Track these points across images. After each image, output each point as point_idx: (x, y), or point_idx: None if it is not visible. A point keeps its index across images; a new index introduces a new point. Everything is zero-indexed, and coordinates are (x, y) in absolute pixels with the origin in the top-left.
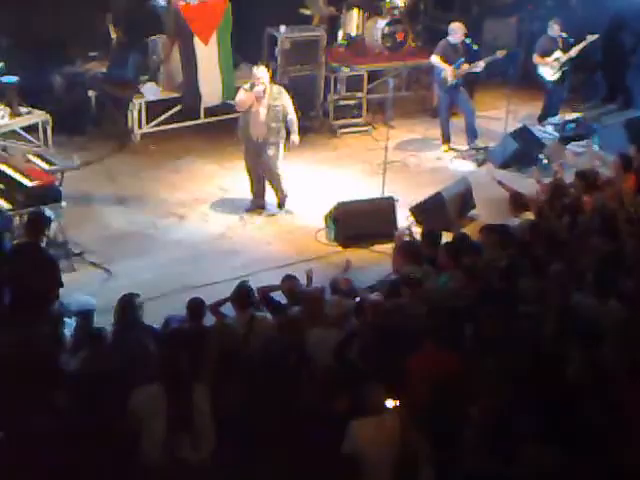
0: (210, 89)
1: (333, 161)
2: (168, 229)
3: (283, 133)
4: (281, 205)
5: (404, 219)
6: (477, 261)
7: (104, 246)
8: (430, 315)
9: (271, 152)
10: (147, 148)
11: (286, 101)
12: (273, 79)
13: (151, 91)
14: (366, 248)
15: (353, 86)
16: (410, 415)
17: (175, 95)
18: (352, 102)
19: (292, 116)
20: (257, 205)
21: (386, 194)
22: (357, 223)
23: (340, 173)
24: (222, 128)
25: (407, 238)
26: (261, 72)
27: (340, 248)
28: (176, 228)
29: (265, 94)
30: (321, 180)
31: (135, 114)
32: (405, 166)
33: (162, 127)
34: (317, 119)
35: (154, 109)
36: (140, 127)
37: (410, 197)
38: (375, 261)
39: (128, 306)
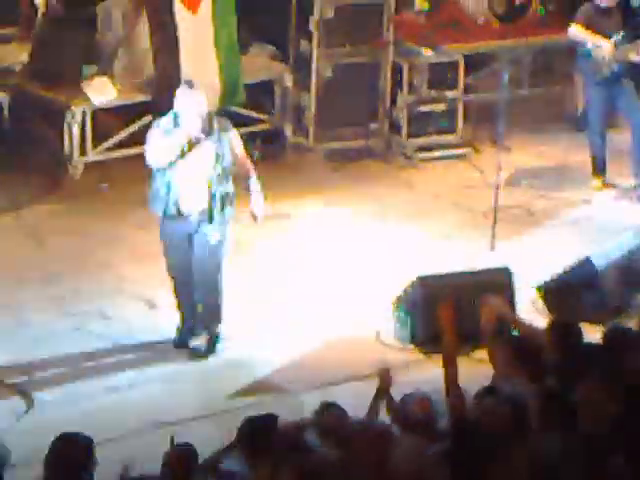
0: (201, 87)
1: (407, 208)
2: (128, 325)
3: (234, 206)
4: (210, 348)
5: (527, 303)
6: None
7: (22, 356)
8: None
9: (213, 240)
10: (94, 188)
11: (237, 143)
12: (300, 69)
13: (101, 92)
14: (465, 354)
15: (440, 81)
16: None
17: (141, 98)
18: (439, 107)
19: (249, 170)
20: (188, 334)
21: (496, 263)
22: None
23: (419, 228)
24: None
25: (514, 331)
26: (193, 96)
27: (419, 354)
28: (141, 323)
29: (204, 135)
30: (385, 241)
31: (75, 131)
32: (529, 215)
33: (119, 152)
34: (380, 136)
35: (106, 122)
36: (83, 153)
37: (537, 267)
38: (481, 376)
39: (68, 457)
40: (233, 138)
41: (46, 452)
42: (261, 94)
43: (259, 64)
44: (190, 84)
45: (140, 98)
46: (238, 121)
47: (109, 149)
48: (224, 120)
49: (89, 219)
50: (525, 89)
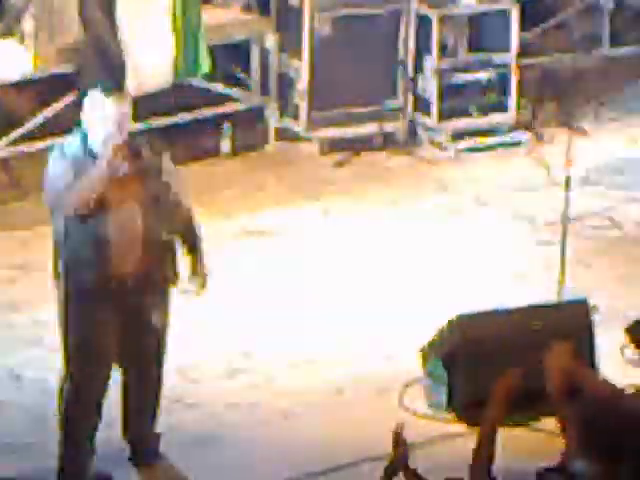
0: (148, 55)
1: (438, 218)
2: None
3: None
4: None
5: (613, 351)
6: None
7: None
8: None
9: (155, 316)
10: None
11: (177, 182)
12: (286, 24)
13: (10, 60)
14: (524, 424)
15: (484, 39)
16: None
17: (64, 70)
18: (483, 76)
19: (189, 217)
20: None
21: (568, 295)
22: (500, 365)
23: (456, 247)
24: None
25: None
26: (114, 108)
27: (460, 424)
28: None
29: (138, 167)
30: (409, 266)
31: None
32: (614, 227)
33: (30, 145)
34: (400, 118)
35: (13, 104)
36: None
37: (625, 301)
38: (547, 452)
39: None
40: (170, 173)
41: None
42: (233, 61)
43: (230, 18)
44: (111, 82)
45: (60, 69)
46: (203, 99)
47: (17, 142)
48: (157, 144)
49: None
50: (605, 48)
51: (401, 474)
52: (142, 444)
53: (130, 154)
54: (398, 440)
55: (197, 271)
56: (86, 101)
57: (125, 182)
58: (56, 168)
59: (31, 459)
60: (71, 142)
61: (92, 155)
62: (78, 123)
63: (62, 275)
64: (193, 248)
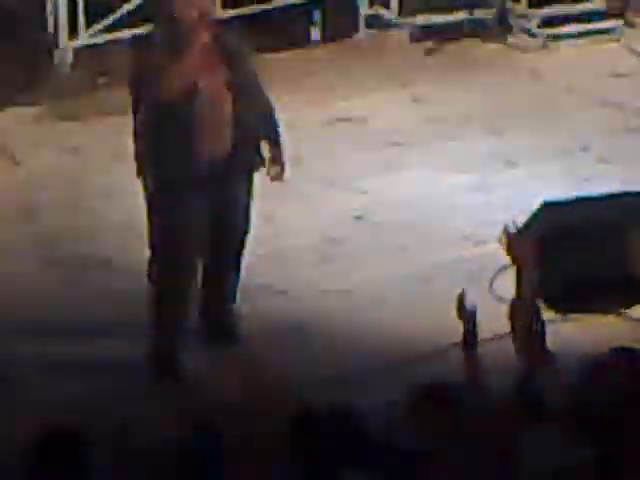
0: None
1: (530, 107)
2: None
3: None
4: (216, 329)
5: None
6: None
7: None
8: None
9: (240, 191)
10: (90, 83)
11: (252, 70)
12: None
13: None
14: (616, 313)
15: None
16: None
17: None
18: None
19: (266, 103)
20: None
21: None
22: (588, 252)
23: (546, 136)
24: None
25: None
26: None
27: (549, 311)
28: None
29: (222, 51)
30: (501, 156)
31: (60, 3)
32: None
33: (122, 33)
34: (490, 5)
35: None
36: (74, 35)
37: None
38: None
39: None
40: (248, 61)
41: None
42: None
43: None
44: None
45: None
46: None
47: (109, 29)
48: (239, 33)
49: (82, 128)
50: None
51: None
52: (222, 326)
53: (217, 41)
54: (462, 312)
55: (277, 159)
56: None
57: (213, 68)
58: (144, 55)
59: (123, 342)
60: (158, 30)
61: (179, 43)
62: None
63: (152, 165)
64: (273, 136)
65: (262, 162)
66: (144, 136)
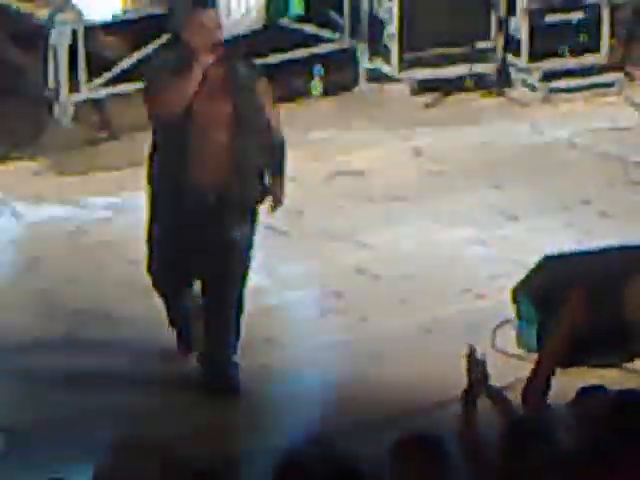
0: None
1: (528, 161)
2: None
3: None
4: (216, 377)
5: None
6: None
7: None
8: None
9: (239, 232)
10: (90, 137)
11: (266, 95)
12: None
13: (102, 1)
14: (614, 365)
15: None
16: None
17: (156, 10)
18: (575, 16)
19: (276, 130)
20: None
21: None
22: (601, 307)
23: (545, 190)
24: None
25: None
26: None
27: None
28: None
29: (229, 79)
30: (499, 208)
31: (62, 57)
32: None
33: (123, 87)
34: (491, 59)
35: (105, 45)
36: (75, 88)
37: None
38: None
39: None
40: (263, 92)
41: None
42: (324, 2)
43: None
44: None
45: (154, 10)
46: (294, 40)
47: (109, 83)
48: (249, 66)
49: (83, 182)
50: None
51: (482, 396)
52: (219, 370)
53: (226, 70)
54: (472, 362)
55: (274, 190)
56: (187, 15)
57: (216, 96)
58: (153, 72)
59: (122, 393)
60: (169, 52)
61: (182, 64)
62: (176, 39)
63: (154, 177)
64: (274, 167)
65: (267, 192)
66: (148, 157)
